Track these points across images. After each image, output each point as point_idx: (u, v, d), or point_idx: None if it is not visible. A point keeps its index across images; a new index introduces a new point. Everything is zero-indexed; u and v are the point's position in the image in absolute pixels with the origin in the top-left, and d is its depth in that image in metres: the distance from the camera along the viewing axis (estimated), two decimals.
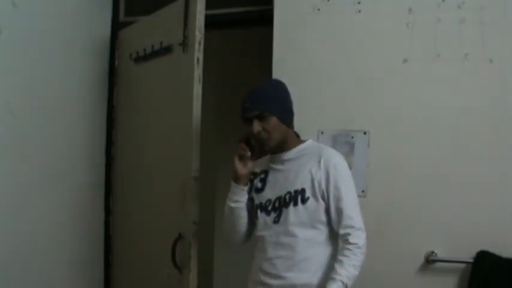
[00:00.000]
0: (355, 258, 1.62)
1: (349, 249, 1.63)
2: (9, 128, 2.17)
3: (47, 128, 2.38)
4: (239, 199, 1.83)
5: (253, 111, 1.72)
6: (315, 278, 1.68)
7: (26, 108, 2.25)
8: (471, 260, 2.02)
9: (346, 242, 1.65)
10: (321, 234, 1.71)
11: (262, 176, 1.85)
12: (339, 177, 1.70)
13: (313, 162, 1.74)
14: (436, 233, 2.11)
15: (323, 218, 1.71)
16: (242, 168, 1.80)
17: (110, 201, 2.76)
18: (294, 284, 1.69)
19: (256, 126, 1.72)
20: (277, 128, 1.74)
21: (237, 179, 1.82)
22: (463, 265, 2.05)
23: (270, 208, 1.78)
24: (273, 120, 1.73)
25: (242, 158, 1.81)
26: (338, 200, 1.68)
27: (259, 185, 1.85)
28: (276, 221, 1.75)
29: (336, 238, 1.70)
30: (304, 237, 1.70)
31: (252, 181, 1.86)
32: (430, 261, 2.10)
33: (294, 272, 1.69)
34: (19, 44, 2.20)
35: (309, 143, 1.82)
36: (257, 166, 1.86)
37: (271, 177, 1.83)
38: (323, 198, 1.70)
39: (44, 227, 2.35)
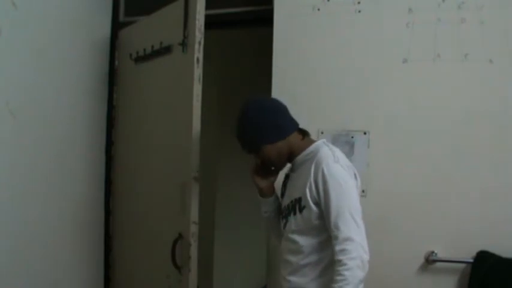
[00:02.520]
0: (343, 282, 1.50)
1: (337, 273, 1.53)
2: (9, 128, 2.17)
3: (47, 128, 2.38)
4: (267, 209, 1.90)
5: (243, 149, 1.79)
6: (313, 283, 1.67)
7: (26, 108, 2.25)
8: (471, 260, 2.02)
9: (335, 262, 1.55)
10: (320, 241, 1.67)
11: (286, 180, 1.88)
12: (328, 182, 1.61)
13: (309, 168, 1.68)
14: (436, 233, 2.10)
15: (319, 224, 1.65)
16: (261, 182, 1.85)
17: (109, 201, 2.76)
18: None
19: (256, 159, 1.79)
20: (271, 152, 1.75)
21: (259, 191, 1.87)
22: (463, 265, 2.05)
23: (283, 214, 1.81)
24: (264, 149, 1.74)
25: (258, 171, 1.84)
26: (326, 207, 1.61)
27: (283, 189, 1.88)
28: (284, 227, 1.79)
29: None
30: (304, 244, 1.68)
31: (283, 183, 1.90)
32: (430, 261, 2.09)
33: (297, 277, 1.71)
34: (19, 44, 2.20)
35: (312, 147, 1.75)
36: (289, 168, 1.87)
37: (289, 182, 1.85)
38: (316, 204, 1.64)
39: (43, 227, 2.36)
